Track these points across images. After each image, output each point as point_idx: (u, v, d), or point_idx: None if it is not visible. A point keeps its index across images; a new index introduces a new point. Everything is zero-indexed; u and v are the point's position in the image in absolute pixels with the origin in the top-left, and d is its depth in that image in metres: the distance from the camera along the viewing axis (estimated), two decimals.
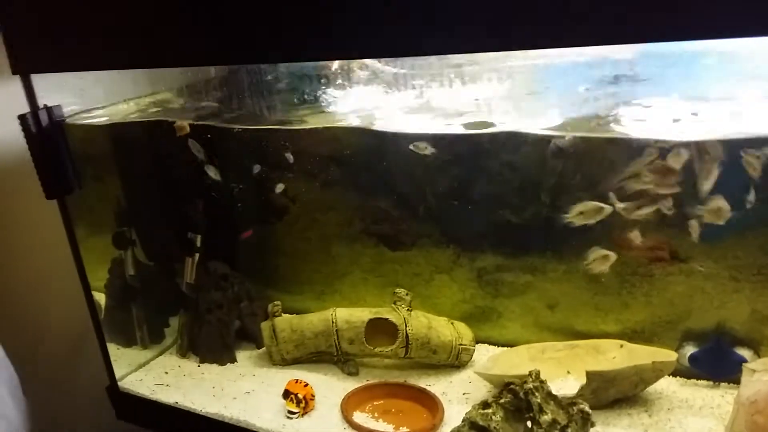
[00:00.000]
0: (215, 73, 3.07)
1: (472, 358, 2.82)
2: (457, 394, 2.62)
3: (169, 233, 3.21)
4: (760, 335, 2.45)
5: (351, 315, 2.82)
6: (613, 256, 2.52)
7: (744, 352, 2.43)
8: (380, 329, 2.80)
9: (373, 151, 2.91)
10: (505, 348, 2.84)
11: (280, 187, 3.09)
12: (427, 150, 2.73)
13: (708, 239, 2.42)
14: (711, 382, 2.52)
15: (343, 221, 3.11)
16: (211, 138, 3.02)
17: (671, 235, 2.49)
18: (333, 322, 2.82)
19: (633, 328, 2.65)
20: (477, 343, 2.90)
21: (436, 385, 2.70)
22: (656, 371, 2.38)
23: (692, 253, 2.48)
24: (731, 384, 2.46)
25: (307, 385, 2.61)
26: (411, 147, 2.74)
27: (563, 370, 2.63)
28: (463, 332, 2.82)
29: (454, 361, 2.78)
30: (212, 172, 3.03)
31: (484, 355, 2.83)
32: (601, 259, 2.53)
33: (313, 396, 2.60)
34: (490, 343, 2.95)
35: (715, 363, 2.45)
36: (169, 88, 3.13)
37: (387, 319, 2.78)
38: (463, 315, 2.95)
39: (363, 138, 2.89)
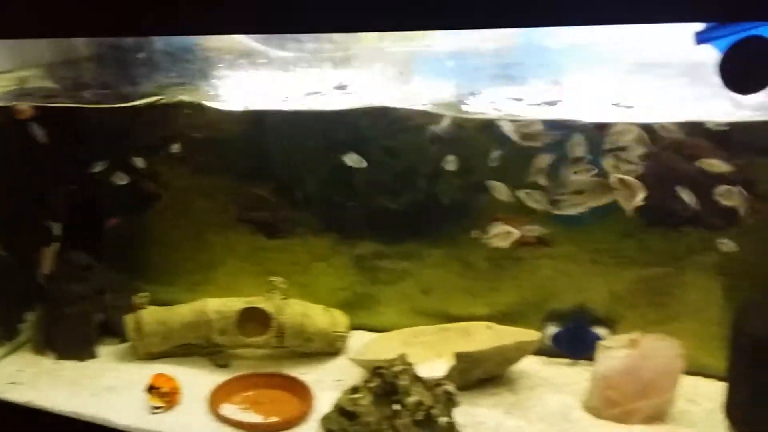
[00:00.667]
0: (86, 50, 2.88)
1: (348, 345, 2.79)
2: (331, 382, 2.59)
3: (27, 221, 2.96)
4: (617, 314, 2.58)
5: (223, 305, 2.72)
6: (515, 233, 2.53)
7: (601, 331, 2.56)
8: (254, 319, 2.72)
9: (249, 135, 2.83)
10: (379, 334, 2.83)
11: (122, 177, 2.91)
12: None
13: (571, 223, 2.53)
14: (572, 361, 2.63)
15: (217, 208, 3.00)
16: (66, 120, 2.82)
17: (537, 220, 2.58)
18: (204, 312, 2.71)
19: (502, 310, 2.72)
20: (355, 329, 2.88)
21: (310, 373, 2.66)
22: (519, 351, 2.46)
23: (557, 237, 2.58)
24: (590, 362, 2.58)
25: (172, 378, 2.48)
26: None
27: (434, 353, 2.66)
28: (339, 319, 2.79)
29: (329, 348, 2.75)
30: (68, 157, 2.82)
31: (361, 341, 2.81)
32: (504, 235, 2.54)
33: (178, 389, 2.48)
34: (367, 330, 2.94)
35: (575, 342, 2.57)
36: (33, 64, 2.89)
37: (260, 308, 2.70)
38: (341, 302, 2.92)
39: (238, 120, 2.80)
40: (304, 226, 2.90)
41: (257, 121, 2.79)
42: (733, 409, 2.17)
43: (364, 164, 2.62)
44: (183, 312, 2.75)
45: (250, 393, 2.55)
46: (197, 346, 2.75)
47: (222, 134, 2.85)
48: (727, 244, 2.34)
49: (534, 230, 2.52)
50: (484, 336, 2.66)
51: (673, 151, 2.30)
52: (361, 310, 2.93)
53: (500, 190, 2.48)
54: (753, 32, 1.34)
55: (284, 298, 2.75)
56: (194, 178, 2.97)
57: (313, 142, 2.75)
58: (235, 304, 2.72)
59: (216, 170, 2.92)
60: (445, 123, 2.51)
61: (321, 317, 2.75)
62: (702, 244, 2.41)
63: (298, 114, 2.66)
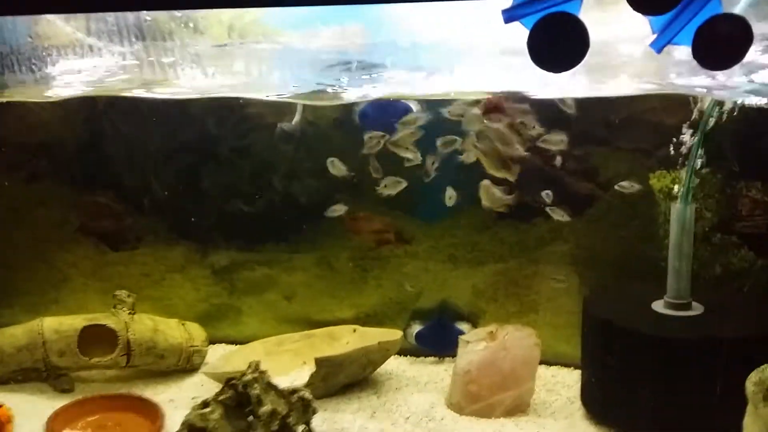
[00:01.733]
0: None
1: (208, 360, 2.62)
2: (186, 399, 2.40)
3: None
4: (478, 309, 2.59)
5: (61, 324, 2.46)
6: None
7: (463, 326, 2.56)
8: (99, 338, 2.47)
9: (85, 136, 2.61)
10: (239, 345, 2.68)
11: None
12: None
13: (428, 219, 2.52)
14: (436, 358, 2.61)
15: (56, 219, 2.74)
16: None
17: (396, 217, 2.55)
18: (39, 333, 2.43)
19: (366, 312, 2.66)
20: (216, 343, 2.72)
21: (165, 392, 2.46)
22: (383, 351, 2.40)
23: (416, 234, 2.56)
24: (454, 358, 2.57)
25: (2, 406, 2.20)
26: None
27: (300, 361, 2.55)
28: (195, 333, 2.61)
29: (185, 364, 2.56)
30: None
31: (221, 355, 2.65)
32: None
33: (11, 419, 2.20)
34: (230, 342, 2.78)
35: (438, 339, 2.55)
36: None
37: (105, 325, 2.46)
38: (199, 315, 2.75)
39: (74, 118, 2.56)
40: (154, 234, 2.71)
41: (92, 118, 2.57)
42: (588, 396, 2.22)
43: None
44: (15, 334, 2.46)
45: (94, 417, 2.30)
46: (35, 371, 2.46)
47: (54, 135, 2.60)
48: (574, 233, 2.41)
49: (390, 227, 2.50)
50: (349, 339, 2.58)
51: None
52: (223, 322, 2.77)
53: (338, 167, 2.43)
54: (559, 8, 1.29)
55: (132, 314, 2.53)
56: (28, 186, 2.69)
57: (157, 139, 2.57)
58: (74, 322, 2.46)
59: (51, 176, 2.67)
60: (295, 119, 2.42)
61: (174, 332, 2.55)
62: (552, 234, 2.47)
63: (138, 104, 2.46)
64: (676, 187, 2.18)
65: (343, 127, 2.44)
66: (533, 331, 2.27)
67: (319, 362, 2.28)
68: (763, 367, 1.60)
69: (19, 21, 1.99)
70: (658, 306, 2.15)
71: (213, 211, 2.64)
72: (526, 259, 2.50)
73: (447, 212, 2.47)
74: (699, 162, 2.10)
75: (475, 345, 2.29)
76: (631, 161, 2.34)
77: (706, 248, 2.32)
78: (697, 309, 2.11)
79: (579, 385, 2.28)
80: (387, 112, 2.38)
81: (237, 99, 2.43)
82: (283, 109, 2.46)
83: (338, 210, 2.43)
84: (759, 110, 2.18)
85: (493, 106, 2.25)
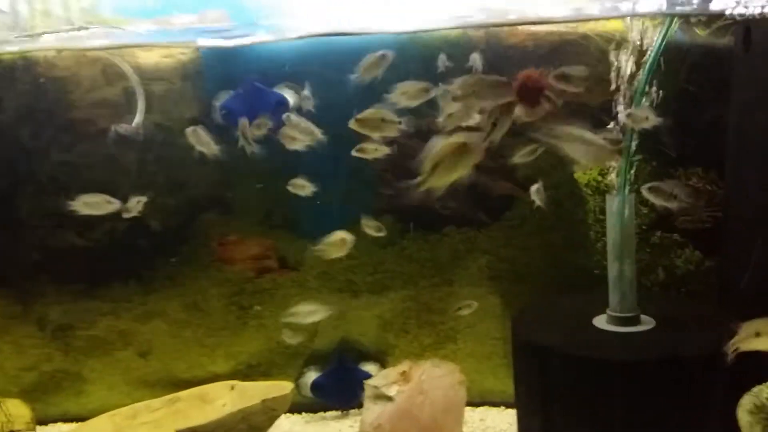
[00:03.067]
0: None
1: None
2: None
3: None
4: (386, 345, 2.12)
5: None
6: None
7: (370, 368, 2.07)
8: None
9: None
10: (77, 424, 2.04)
11: None
12: None
13: (316, 237, 2.03)
14: (340, 412, 2.10)
15: None
16: None
17: (278, 237, 2.05)
18: None
19: (248, 362, 2.12)
20: (50, 422, 2.09)
21: None
22: (268, 412, 1.87)
23: (303, 258, 2.06)
24: (361, 409, 2.06)
25: None
26: None
27: None
28: (16, 413, 1.98)
29: None
30: None
31: None
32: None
33: None
34: (68, 420, 2.13)
35: (340, 387, 2.05)
36: None
37: None
38: (26, 388, 2.11)
39: None
40: None
41: None
42: None
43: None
44: None
45: None
46: None
47: None
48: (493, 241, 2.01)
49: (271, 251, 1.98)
50: (226, 400, 2.02)
51: None
52: (58, 394, 2.13)
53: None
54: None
55: None
56: None
57: None
58: None
59: None
60: (136, 120, 1.88)
61: None
62: (466, 245, 2.05)
63: None
64: (610, 177, 1.82)
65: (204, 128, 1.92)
66: (455, 367, 1.83)
67: None
68: (756, 390, 1.22)
69: None
70: (600, 322, 1.76)
71: (34, 246, 2.02)
72: (440, 278, 2.06)
73: (340, 225, 2.00)
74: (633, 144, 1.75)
75: (386, 391, 1.81)
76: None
77: (645, 249, 1.99)
78: (647, 323, 1.74)
79: (515, 428, 1.84)
80: (256, 106, 1.90)
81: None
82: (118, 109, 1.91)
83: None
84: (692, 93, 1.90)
85: None
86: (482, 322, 2.07)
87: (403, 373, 1.83)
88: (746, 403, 1.24)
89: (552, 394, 1.66)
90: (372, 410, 1.80)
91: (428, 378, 1.81)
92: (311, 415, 2.10)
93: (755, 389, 1.24)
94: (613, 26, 1.91)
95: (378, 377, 1.88)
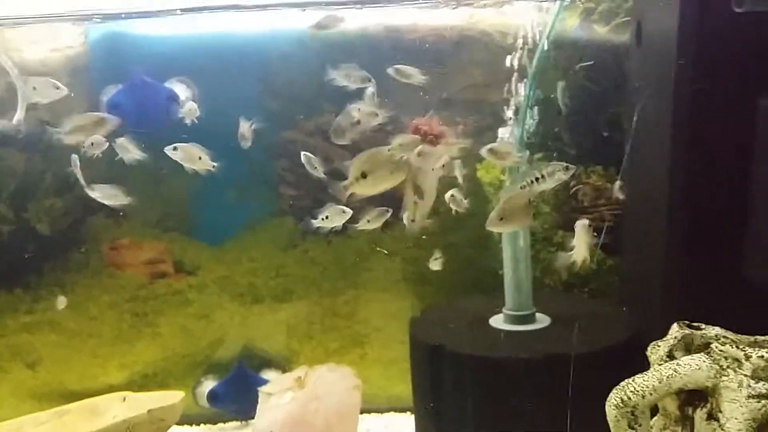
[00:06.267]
0: None
1: None
2: None
3: None
4: (290, 351, 2.04)
5: None
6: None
7: (271, 375, 1.99)
8: None
9: None
10: None
11: None
12: None
13: (214, 240, 1.96)
14: (240, 422, 2.01)
15: None
16: None
17: (172, 240, 1.97)
18: None
19: (143, 372, 2.02)
20: None
21: None
22: (156, 422, 1.77)
23: (200, 262, 1.99)
24: None
25: None
26: None
27: None
28: None
29: None
30: None
31: None
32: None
33: None
34: None
35: (239, 396, 1.96)
36: None
37: None
38: None
39: None
40: None
41: None
42: None
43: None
44: None
45: None
46: None
47: None
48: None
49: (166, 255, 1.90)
50: (117, 411, 1.91)
51: None
52: None
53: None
54: None
55: None
56: None
57: None
58: None
59: None
60: (17, 116, 1.78)
61: None
62: (372, 247, 2.00)
63: None
64: (506, 178, 1.80)
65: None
66: (349, 370, 1.77)
67: None
68: (622, 384, 1.19)
69: None
70: (497, 321, 1.73)
71: None
72: (345, 281, 2.00)
73: (238, 227, 1.94)
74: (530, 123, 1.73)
75: (279, 397, 1.74)
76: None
77: (548, 249, 1.97)
78: (542, 321, 1.72)
79: None
80: (145, 100, 1.82)
81: None
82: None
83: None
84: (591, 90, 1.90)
85: None
86: (390, 326, 2.02)
87: (298, 378, 1.76)
88: (613, 398, 1.21)
89: (445, 393, 1.62)
90: (264, 418, 1.72)
91: (323, 383, 1.74)
92: (209, 426, 2.01)
93: (622, 384, 1.21)
94: (516, 22, 1.90)
95: (271, 384, 1.80)
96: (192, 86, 1.83)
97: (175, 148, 1.62)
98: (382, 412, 2.01)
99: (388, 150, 1.48)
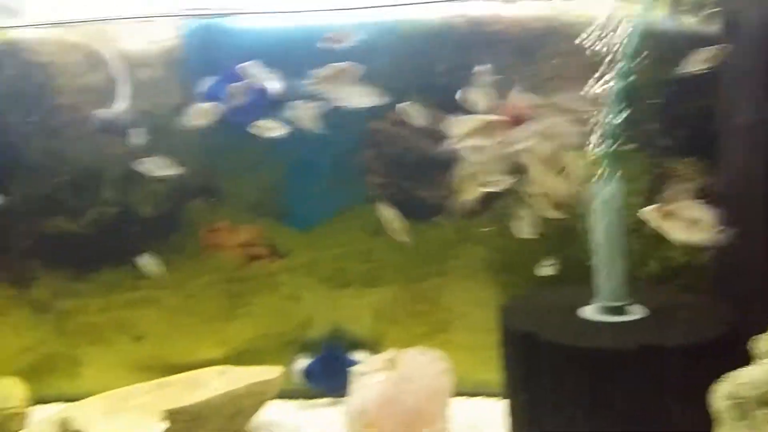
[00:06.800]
0: None
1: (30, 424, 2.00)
2: None
3: None
4: (377, 334, 2.11)
5: None
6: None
7: (361, 356, 2.07)
8: None
9: None
10: (72, 403, 2.06)
11: None
12: None
13: (305, 225, 2.04)
14: (331, 399, 2.09)
15: None
16: None
17: (266, 225, 2.05)
18: None
19: (239, 348, 2.13)
20: (45, 403, 2.11)
21: None
22: (256, 396, 1.88)
23: (292, 246, 2.07)
24: None
25: None
26: None
27: (152, 418, 1.96)
28: (10, 392, 2.00)
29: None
30: None
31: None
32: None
33: None
34: (66, 400, 2.14)
35: (331, 374, 2.04)
36: None
37: None
38: (24, 369, 2.14)
39: None
40: None
41: None
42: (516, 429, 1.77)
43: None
44: None
45: None
46: None
47: None
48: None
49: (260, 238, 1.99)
50: (216, 384, 2.03)
51: None
52: (54, 376, 2.16)
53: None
54: None
55: None
56: None
57: None
58: None
59: None
60: (120, 105, 1.89)
61: None
62: (459, 235, 2.04)
63: None
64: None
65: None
66: (440, 355, 1.81)
67: (170, 416, 1.74)
68: (730, 377, 1.20)
69: None
70: (590, 312, 1.74)
71: (28, 233, 2.04)
72: (431, 267, 2.05)
73: (329, 214, 2.00)
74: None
75: (371, 377, 1.81)
76: None
77: (638, 241, 1.95)
78: (637, 312, 1.72)
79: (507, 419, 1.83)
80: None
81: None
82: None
83: None
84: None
85: None
86: (476, 312, 2.05)
87: (390, 360, 1.82)
88: (722, 390, 1.21)
89: (539, 383, 1.65)
90: (358, 395, 1.80)
91: (413, 365, 1.80)
92: (303, 401, 2.10)
93: (729, 376, 1.21)
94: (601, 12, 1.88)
95: (364, 364, 1.87)
96: (283, 78, 1.91)
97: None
98: (470, 396, 2.05)
99: None
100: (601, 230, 1.71)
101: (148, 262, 1.92)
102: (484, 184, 1.72)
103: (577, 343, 1.60)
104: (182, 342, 2.13)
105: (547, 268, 1.82)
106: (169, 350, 2.14)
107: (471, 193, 1.73)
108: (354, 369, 1.85)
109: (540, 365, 1.64)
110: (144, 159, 1.87)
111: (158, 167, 1.84)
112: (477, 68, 1.75)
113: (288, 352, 2.12)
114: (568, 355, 1.58)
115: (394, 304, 2.08)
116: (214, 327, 2.12)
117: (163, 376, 2.11)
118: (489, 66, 1.69)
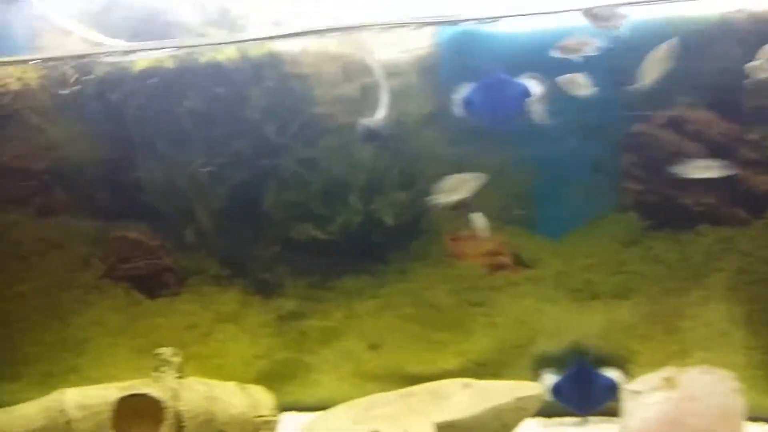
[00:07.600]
0: None
1: None
2: None
3: None
4: (626, 350, 1.99)
5: (87, 396, 1.94)
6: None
7: (612, 373, 1.96)
8: (139, 411, 1.90)
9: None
10: (320, 412, 2.07)
11: None
12: None
13: (554, 234, 1.96)
14: (578, 418, 2.00)
15: (75, 263, 2.18)
16: None
17: (512, 233, 1.99)
18: (61, 410, 1.90)
19: (476, 360, 2.07)
20: (284, 411, 2.12)
21: None
22: (519, 411, 1.81)
23: (539, 255, 2.00)
24: (602, 416, 1.96)
25: None
26: None
27: (400, 429, 1.94)
28: (261, 399, 2.04)
29: None
30: None
31: (297, 427, 2.03)
32: None
33: None
34: (301, 409, 2.16)
35: (581, 392, 1.95)
36: None
37: (146, 394, 1.88)
38: (260, 375, 2.18)
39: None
40: (200, 274, 2.14)
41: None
42: None
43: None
44: (28, 414, 1.95)
45: None
46: None
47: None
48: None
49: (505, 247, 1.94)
50: (462, 397, 1.97)
51: None
52: (290, 383, 2.18)
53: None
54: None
55: (180, 377, 1.97)
56: (36, 221, 2.14)
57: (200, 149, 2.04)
58: (106, 393, 1.93)
59: (67, 207, 2.12)
60: (381, 114, 1.90)
61: (235, 399, 1.99)
62: (722, 246, 1.90)
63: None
64: None
65: (438, 122, 1.92)
66: (729, 374, 1.69)
67: (440, 429, 1.69)
68: None
69: None
70: None
71: (276, 239, 2.08)
72: (691, 281, 1.92)
73: (579, 222, 1.92)
74: None
75: (649, 396, 1.70)
76: None
77: None
78: None
79: None
80: (500, 97, 1.86)
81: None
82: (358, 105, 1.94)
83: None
84: None
85: None
86: (737, 329, 1.92)
87: (668, 379, 1.71)
88: None
89: None
90: (635, 415, 1.70)
91: (698, 384, 1.68)
92: (546, 419, 2.01)
93: None
94: None
95: (638, 382, 1.77)
96: (543, 82, 1.85)
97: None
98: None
99: None
100: None
101: None
102: None
103: None
104: (418, 352, 2.10)
105: None
106: (404, 360, 2.12)
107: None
108: (627, 387, 1.76)
109: None
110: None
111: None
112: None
113: (527, 367, 2.05)
114: None
115: (648, 319, 1.97)
116: (452, 337, 2.08)
117: (397, 385, 2.08)
118: None
